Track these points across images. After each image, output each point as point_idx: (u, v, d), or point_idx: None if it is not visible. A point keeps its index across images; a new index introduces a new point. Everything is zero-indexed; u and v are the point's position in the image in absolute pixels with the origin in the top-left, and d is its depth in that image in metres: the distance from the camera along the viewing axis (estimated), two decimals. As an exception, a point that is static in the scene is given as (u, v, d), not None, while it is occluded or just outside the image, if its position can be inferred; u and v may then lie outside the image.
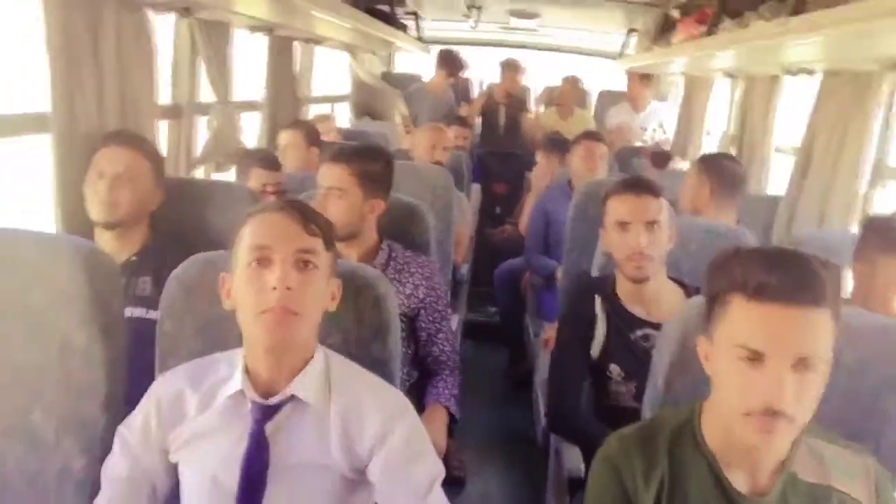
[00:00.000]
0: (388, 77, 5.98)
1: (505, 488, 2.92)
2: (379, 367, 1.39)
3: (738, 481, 1.16)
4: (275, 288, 1.19)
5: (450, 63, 5.25)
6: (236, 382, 1.25)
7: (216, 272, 1.40)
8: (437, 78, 5.34)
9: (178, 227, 2.09)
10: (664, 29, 4.08)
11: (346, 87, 5.61)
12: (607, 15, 4.41)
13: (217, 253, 1.46)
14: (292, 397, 1.25)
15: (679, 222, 1.96)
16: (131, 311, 1.92)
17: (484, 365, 3.87)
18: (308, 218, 1.26)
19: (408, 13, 4.76)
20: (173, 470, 1.29)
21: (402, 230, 2.20)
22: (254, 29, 3.12)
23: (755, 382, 1.04)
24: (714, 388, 1.16)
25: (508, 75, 5.63)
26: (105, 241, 2.00)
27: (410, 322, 2.08)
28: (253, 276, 1.21)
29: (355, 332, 1.40)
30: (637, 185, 1.94)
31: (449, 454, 2.84)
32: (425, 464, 1.27)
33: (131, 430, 1.28)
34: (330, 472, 1.25)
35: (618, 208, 1.94)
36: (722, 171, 2.53)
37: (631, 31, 4.82)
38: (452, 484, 2.78)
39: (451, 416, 2.00)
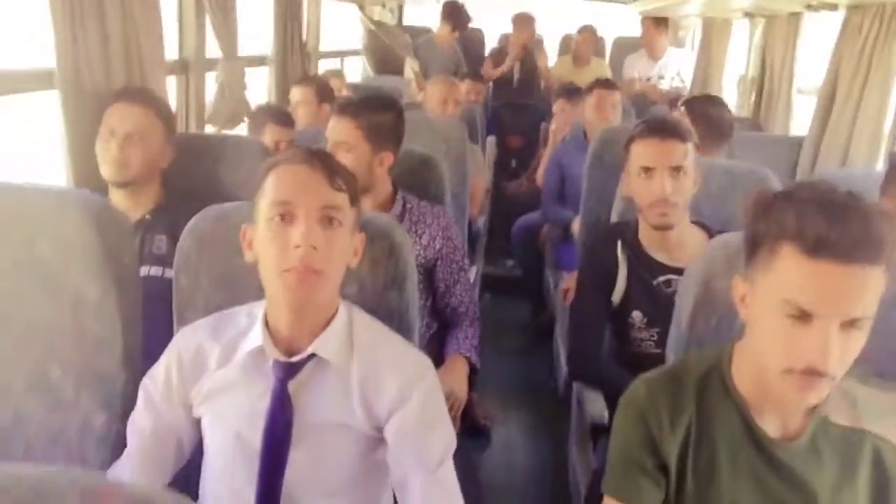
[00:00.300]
0: (398, 30, 5.88)
1: (528, 438, 2.93)
2: (396, 316, 1.37)
3: (768, 426, 1.13)
4: (298, 246, 1.15)
5: (454, 16, 5.14)
6: (256, 337, 1.22)
7: (229, 224, 1.37)
8: (441, 31, 5.23)
9: (191, 183, 2.06)
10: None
11: (355, 42, 5.53)
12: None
13: (230, 205, 1.43)
14: (314, 355, 1.22)
15: (699, 163, 1.90)
16: (147, 270, 1.91)
17: (504, 317, 3.85)
18: (334, 171, 1.21)
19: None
20: (197, 424, 1.28)
21: (416, 182, 2.16)
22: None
23: (800, 341, 0.98)
24: (750, 335, 1.11)
25: (521, 27, 5.53)
26: (118, 199, 1.98)
27: (428, 273, 2.06)
28: (276, 231, 1.17)
29: (371, 281, 1.37)
30: (662, 129, 1.86)
31: (473, 405, 2.86)
32: (439, 435, 1.24)
33: (155, 383, 1.27)
34: (352, 431, 1.23)
35: (641, 153, 1.86)
36: (709, 117, 2.49)
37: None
38: (478, 434, 2.80)
39: (472, 367, 1.99)
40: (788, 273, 0.99)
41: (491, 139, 4.53)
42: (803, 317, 0.98)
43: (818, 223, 0.96)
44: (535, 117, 5.03)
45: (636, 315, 1.91)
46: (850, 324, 0.97)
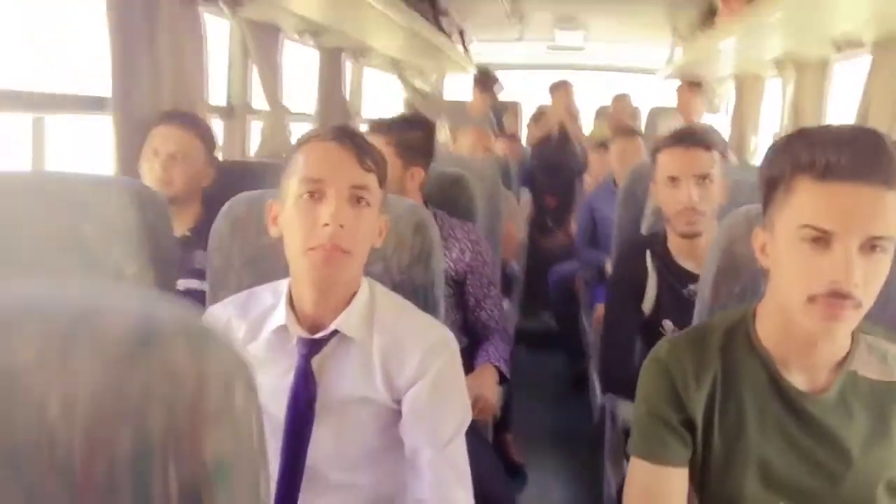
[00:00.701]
0: (437, 96, 6.06)
1: (564, 476, 2.87)
2: (421, 291, 1.39)
3: (796, 380, 1.10)
4: (327, 224, 1.15)
5: (484, 80, 5.31)
6: (280, 316, 1.24)
7: (261, 208, 1.42)
8: (475, 98, 5.40)
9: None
10: (706, 22, 4.07)
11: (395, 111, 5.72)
12: (651, 19, 4.41)
13: (262, 191, 1.49)
14: (336, 332, 1.23)
15: (729, 173, 1.92)
16: (186, 284, 1.96)
17: (541, 370, 3.85)
18: (364, 152, 1.21)
19: (456, 31, 4.85)
20: None
21: (447, 199, 2.22)
22: (301, 32, 3.21)
23: (821, 264, 0.97)
24: (772, 281, 1.10)
25: (559, 93, 5.68)
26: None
27: (458, 287, 2.08)
28: (304, 209, 1.17)
29: (396, 258, 1.40)
30: (687, 138, 1.89)
31: (508, 444, 2.82)
32: (452, 410, 1.24)
33: None
34: (374, 405, 1.23)
35: (668, 162, 1.89)
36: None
37: (675, 31, 4.82)
38: (514, 472, 2.75)
39: (503, 377, 1.99)
40: (805, 201, 1.00)
41: (526, 194, 4.60)
42: (822, 240, 0.98)
43: (829, 150, 0.98)
44: (571, 177, 5.11)
45: (667, 324, 1.90)
46: (870, 246, 0.97)
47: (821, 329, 1.01)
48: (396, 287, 1.36)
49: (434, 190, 2.16)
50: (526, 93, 7.07)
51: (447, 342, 1.27)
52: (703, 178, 1.84)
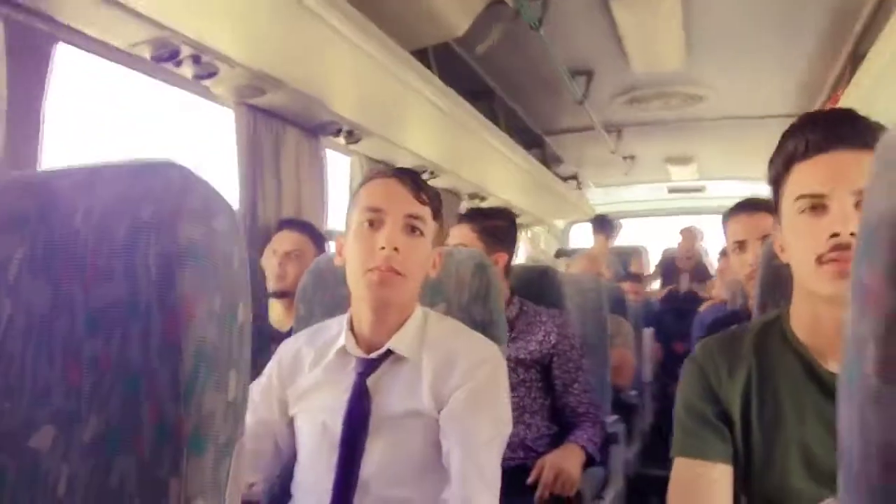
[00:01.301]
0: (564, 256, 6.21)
1: None
2: (480, 328, 1.47)
3: (831, 367, 1.09)
4: (383, 248, 1.26)
5: (604, 225, 5.42)
6: (342, 339, 1.36)
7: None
8: (596, 244, 5.50)
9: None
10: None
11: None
12: (764, 143, 4.45)
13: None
14: (390, 352, 1.33)
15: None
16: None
17: None
18: (419, 187, 1.33)
19: (569, 177, 5.08)
20: (292, 425, 1.39)
21: (534, 291, 2.30)
22: (417, 170, 3.52)
23: (821, 223, 1.02)
24: (793, 270, 1.13)
25: (688, 239, 5.70)
26: (276, 311, 2.31)
27: (545, 372, 2.11)
28: (364, 235, 1.29)
29: (457, 298, 1.51)
30: (750, 204, 1.97)
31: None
32: (489, 417, 1.28)
33: (257, 386, 1.42)
34: (423, 417, 1.29)
35: (735, 229, 1.96)
36: None
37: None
38: None
39: (590, 458, 1.96)
40: (798, 179, 1.07)
41: (649, 332, 4.55)
42: (819, 206, 1.03)
43: (808, 132, 1.06)
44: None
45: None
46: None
47: (833, 291, 1.01)
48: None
49: (521, 283, 2.26)
50: (652, 236, 7.11)
51: (493, 355, 1.34)
52: (766, 238, 1.87)
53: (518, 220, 5.53)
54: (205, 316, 0.61)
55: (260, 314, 2.38)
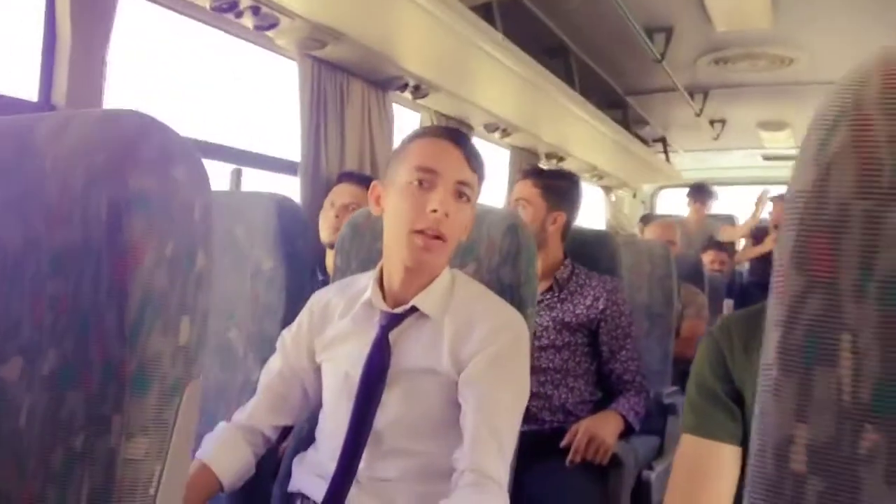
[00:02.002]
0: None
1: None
2: (509, 291, 1.46)
3: None
4: (435, 210, 1.25)
5: (701, 193, 5.22)
6: (369, 292, 1.38)
7: (375, 220, 1.61)
8: (692, 212, 5.32)
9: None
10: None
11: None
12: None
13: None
14: (414, 309, 1.34)
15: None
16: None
17: None
18: (472, 153, 1.32)
19: (655, 140, 4.91)
20: (319, 372, 1.43)
21: (588, 256, 2.25)
22: (491, 129, 3.49)
23: None
24: None
25: (780, 208, 5.44)
26: (332, 260, 2.35)
27: (592, 337, 2.08)
28: (413, 194, 1.27)
29: (487, 259, 1.49)
30: None
31: None
32: (506, 383, 1.27)
33: (289, 332, 1.46)
34: (439, 376, 1.30)
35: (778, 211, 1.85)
36: None
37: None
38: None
39: (629, 427, 1.93)
40: None
41: (729, 302, 4.39)
42: None
43: None
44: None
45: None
46: None
47: None
48: (487, 285, 1.45)
49: (576, 245, 2.22)
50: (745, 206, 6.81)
51: (516, 322, 1.33)
52: None
53: (601, 183, 5.46)
54: (153, 262, 0.63)
55: (319, 264, 2.45)
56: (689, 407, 1.11)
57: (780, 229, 0.43)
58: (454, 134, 1.35)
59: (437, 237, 1.27)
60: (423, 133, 1.37)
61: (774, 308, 0.42)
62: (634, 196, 6.21)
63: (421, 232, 1.27)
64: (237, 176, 2.24)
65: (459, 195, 1.30)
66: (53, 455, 0.63)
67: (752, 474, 0.43)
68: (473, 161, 1.32)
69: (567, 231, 2.16)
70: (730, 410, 1.06)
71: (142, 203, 0.62)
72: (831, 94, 0.40)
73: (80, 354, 0.63)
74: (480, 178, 1.35)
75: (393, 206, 1.32)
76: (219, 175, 2.22)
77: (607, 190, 5.65)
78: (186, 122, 2.31)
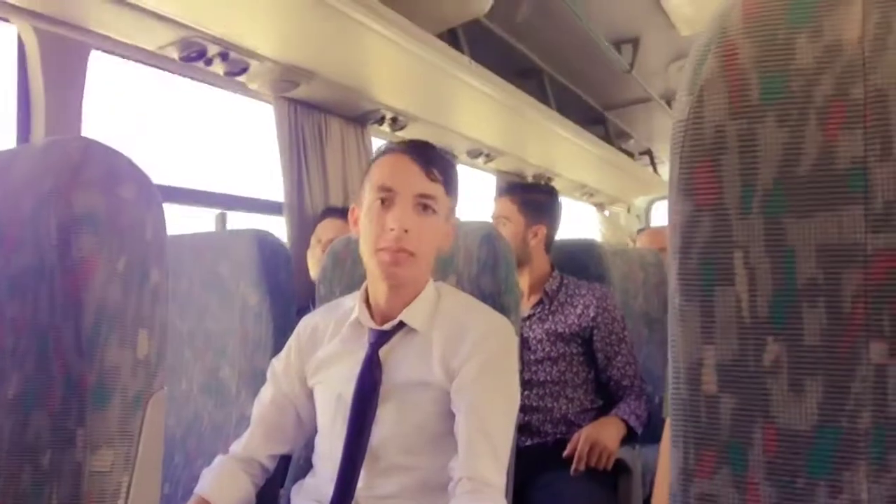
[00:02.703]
0: (627, 229, 6.04)
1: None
2: (491, 300, 1.47)
3: None
4: (393, 228, 1.26)
5: None
6: (356, 311, 1.39)
7: (355, 246, 1.63)
8: None
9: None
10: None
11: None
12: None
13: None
14: (402, 324, 1.35)
15: None
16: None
17: None
18: (430, 163, 1.30)
19: (641, 153, 4.95)
20: (312, 397, 1.43)
21: (577, 265, 2.27)
22: (472, 154, 3.53)
23: None
24: None
25: None
26: (322, 297, 2.36)
27: (586, 345, 2.08)
28: (376, 214, 1.29)
29: (466, 271, 1.51)
30: None
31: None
32: (498, 389, 1.28)
33: (278, 361, 1.47)
34: (432, 388, 1.30)
35: None
36: None
37: None
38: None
39: (632, 431, 1.92)
40: None
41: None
42: None
43: None
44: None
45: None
46: None
47: None
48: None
49: (564, 256, 2.24)
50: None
51: (503, 328, 1.34)
52: None
53: (592, 200, 5.48)
54: (105, 277, 0.65)
55: (312, 300, 2.46)
56: None
57: (669, 163, 0.44)
58: (413, 147, 1.35)
59: (402, 251, 1.27)
60: (383, 151, 1.38)
61: (670, 237, 0.44)
62: (629, 211, 6.22)
63: (385, 249, 1.28)
64: (222, 220, 2.27)
65: (423, 208, 1.30)
66: (21, 475, 0.64)
67: (671, 402, 0.45)
68: (434, 172, 1.32)
69: (550, 243, 2.17)
70: None
71: (89, 221, 0.65)
72: (702, 28, 0.43)
73: (42, 372, 0.65)
74: (449, 188, 1.34)
75: (362, 227, 1.35)
76: (205, 220, 2.26)
77: (600, 207, 5.66)
78: (170, 171, 2.35)
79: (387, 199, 1.30)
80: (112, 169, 0.68)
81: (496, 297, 1.49)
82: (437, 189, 1.32)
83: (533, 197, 2.18)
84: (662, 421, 2.56)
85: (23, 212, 0.67)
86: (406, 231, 1.28)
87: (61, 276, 0.64)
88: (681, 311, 0.43)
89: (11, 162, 0.70)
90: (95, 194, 0.66)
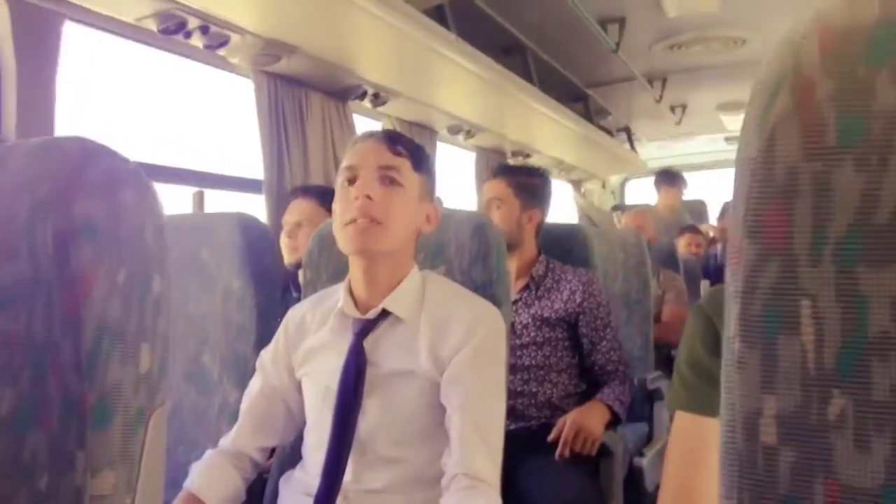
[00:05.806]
0: (608, 212, 6.04)
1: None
2: (482, 290, 1.45)
3: None
4: (357, 198, 1.26)
5: (670, 177, 5.23)
6: (341, 301, 1.36)
7: (344, 230, 1.60)
8: (661, 199, 5.32)
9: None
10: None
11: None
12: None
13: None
14: (386, 312, 1.32)
15: None
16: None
17: None
18: (395, 141, 1.32)
19: (619, 130, 4.94)
20: (300, 388, 1.41)
21: (562, 250, 2.26)
22: (452, 130, 3.49)
23: None
24: None
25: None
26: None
27: (572, 330, 2.08)
28: (342, 192, 1.30)
29: (458, 261, 1.49)
30: None
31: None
32: (487, 379, 1.27)
33: (266, 352, 1.44)
34: (418, 378, 1.29)
35: None
36: None
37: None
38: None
39: (615, 417, 1.93)
40: None
41: (705, 286, 4.42)
42: None
43: None
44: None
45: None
46: None
47: None
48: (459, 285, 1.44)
49: (551, 241, 2.22)
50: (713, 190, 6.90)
51: (492, 316, 1.32)
52: None
53: (569, 177, 5.48)
54: (106, 290, 0.61)
55: (293, 281, 2.42)
56: (680, 383, 1.10)
57: (732, 203, 0.42)
58: (377, 132, 1.36)
59: (367, 217, 1.25)
60: (352, 142, 1.38)
61: (732, 280, 0.42)
62: (604, 187, 6.23)
63: (351, 222, 1.26)
64: (199, 199, 2.21)
65: (388, 180, 1.28)
66: (17, 498, 0.61)
67: (723, 450, 0.43)
68: (396, 146, 1.31)
69: (540, 228, 2.16)
70: (718, 383, 1.05)
71: (88, 231, 0.61)
72: (771, 59, 0.40)
73: (38, 391, 0.61)
74: (416, 164, 1.33)
75: (334, 210, 1.33)
76: (182, 199, 2.20)
77: (576, 184, 5.66)
78: (144, 148, 2.27)
79: (351, 177, 1.29)
80: (112, 172, 0.64)
81: (488, 288, 1.47)
82: (400, 162, 1.30)
83: (529, 181, 2.15)
84: (640, 401, 2.57)
85: (16, 217, 0.62)
86: (370, 198, 1.25)
87: (59, 289, 0.60)
88: (740, 358, 0.41)
89: (6, 160, 0.66)
90: (95, 200, 0.62)
